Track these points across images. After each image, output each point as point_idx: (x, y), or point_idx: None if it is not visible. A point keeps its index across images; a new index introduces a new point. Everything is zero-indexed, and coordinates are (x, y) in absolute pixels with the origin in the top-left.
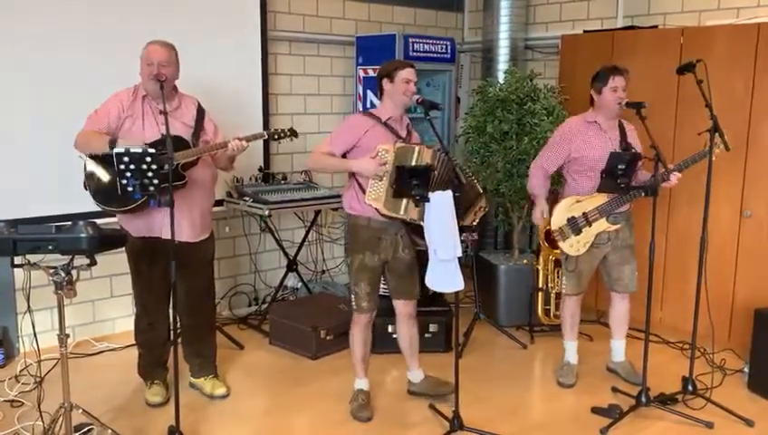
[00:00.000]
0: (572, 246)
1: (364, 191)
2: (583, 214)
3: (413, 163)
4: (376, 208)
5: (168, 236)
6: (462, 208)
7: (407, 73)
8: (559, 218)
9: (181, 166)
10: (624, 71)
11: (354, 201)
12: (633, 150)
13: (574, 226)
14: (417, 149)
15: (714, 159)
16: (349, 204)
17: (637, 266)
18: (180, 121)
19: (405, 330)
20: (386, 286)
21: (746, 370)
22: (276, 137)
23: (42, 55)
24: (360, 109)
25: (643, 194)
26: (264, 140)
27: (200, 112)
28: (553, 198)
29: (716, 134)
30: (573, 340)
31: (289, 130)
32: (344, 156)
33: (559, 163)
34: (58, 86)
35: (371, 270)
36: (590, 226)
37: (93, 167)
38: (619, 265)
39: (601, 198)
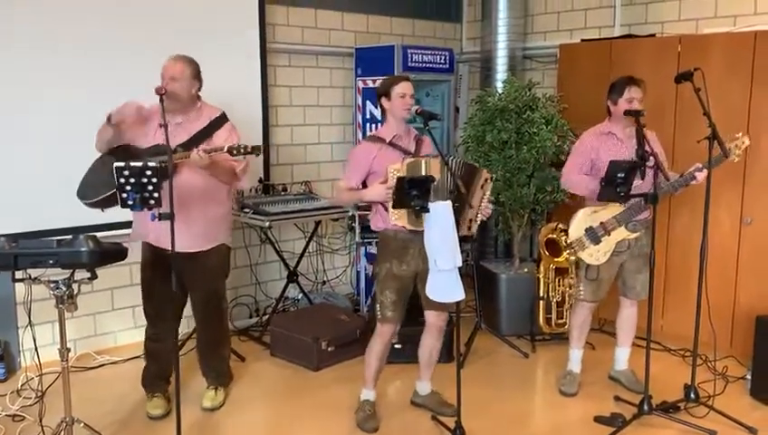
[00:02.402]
0: (592, 255)
1: (387, 210)
2: (601, 223)
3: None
4: (402, 226)
5: (159, 244)
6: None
7: (401, 88)
8: (577, 229)
9: None
10: (640, 81)
11: (380, 221)
12: (651, 158)
13: (593, 236)
14: (423, 161)
15: (736, 160)
16: (376, 224)
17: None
18: (187, 132)
19: (430, 341)
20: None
21: (749, 377)
22: (235, 153)
23: (40, 71)
24: (360, 120)
25: (643, 202)
26: (264, 152)
27: (213, 123)
28: (570, 209)
29: (716, 141)
30: (580, 348)
31: (252, 147)
32: (365, 183)
33: (587, 166)
34: (57, 101)
35: (398, 279)
36: (609, 235)
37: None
38: (635, 273)
39: (618, 207)
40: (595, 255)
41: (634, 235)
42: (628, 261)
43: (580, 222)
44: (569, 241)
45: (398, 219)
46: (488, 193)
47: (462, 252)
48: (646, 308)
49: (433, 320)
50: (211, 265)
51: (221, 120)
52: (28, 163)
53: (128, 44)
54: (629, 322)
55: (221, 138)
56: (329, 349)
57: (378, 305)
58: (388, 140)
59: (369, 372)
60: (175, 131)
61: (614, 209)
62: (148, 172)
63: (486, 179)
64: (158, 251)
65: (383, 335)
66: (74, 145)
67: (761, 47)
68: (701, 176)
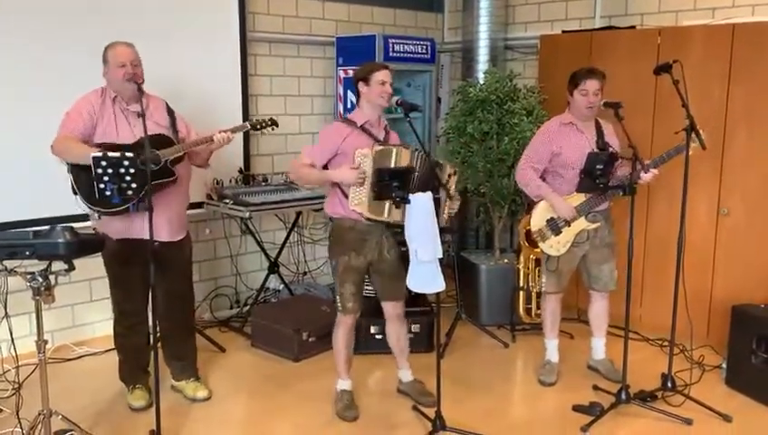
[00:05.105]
0: (552, 246)
1: (347, 196)
2: None
3: (392, 165)
4: (360, 213)
5: (140, 236)
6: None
7: (382, 75)
8: (538, 220)
9: (170, 162)
10: (597, 73)
11: (338, 207)
12: (611, 149)
13: (554, 226)
14: (395, 150)
15: (690, 154)
16: (333, 209)
17: (616, 265)
18: (153, 121)
19: (394, 330)
20: (369, 287)
21: (724, 366)
22: (258, 127)
23: (12, 59)
24: (341, 110)
25: (621, 193)
26: (244, 142)
27: (171, 112)
28: (531, 201)
29: (693, 133)
30: (554, 338)
31: (269, 119)
32: (326, 165)
33: (545, 161)
34: (29, 89)
35: (357, 271)
36: (570, 225)
37: (77, 172)
38: (598, 264)
39: (579, 198)
40: (555, 246)
41: (594, 225)
42: (591, 252)
43: (542, 213)
44: (531, 231)
45: (357, 205)
46: (452, 188)
47: (443, 243)
48: (624, 298)
49: (390, 310)
50: (188, 251)
51: (170, 108)
52: (2, 152)
53: (104, 31)
54: (601, 314)
55: (183, 124)
56: (310, 339)
57: (338, 298)
58: (359, 124)
59: (340, 361)
60: (137, 120)
61: (575, 200)
62: (126, 163)
63: (450, 175)
64: (141, 244)
65: (345, 325)
66: (48, 132)
67: (738, 39)
68: (646, 177)
